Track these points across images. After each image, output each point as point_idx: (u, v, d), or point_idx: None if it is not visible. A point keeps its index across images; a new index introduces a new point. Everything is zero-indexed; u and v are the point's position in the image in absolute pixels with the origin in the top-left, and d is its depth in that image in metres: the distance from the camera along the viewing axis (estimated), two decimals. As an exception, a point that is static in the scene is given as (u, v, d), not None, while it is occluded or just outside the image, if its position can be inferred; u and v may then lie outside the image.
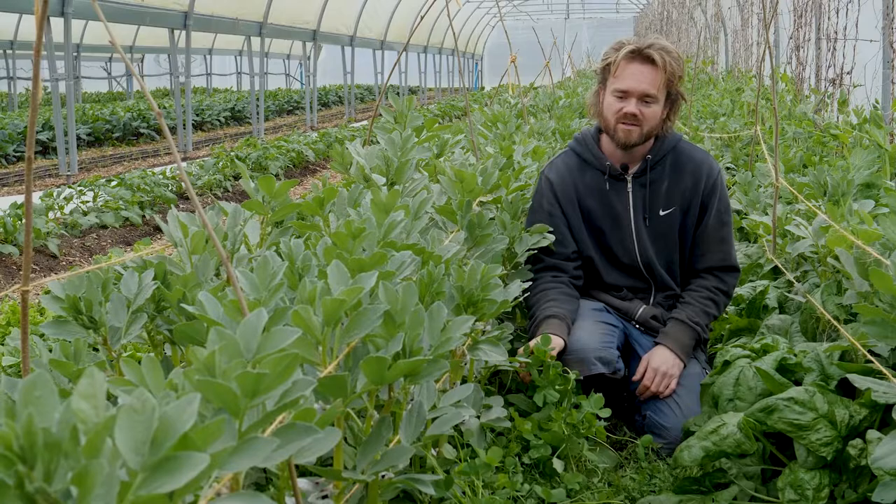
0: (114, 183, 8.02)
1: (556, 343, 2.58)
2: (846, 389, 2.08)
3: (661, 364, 2.67)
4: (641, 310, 2.86)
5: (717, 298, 2.83)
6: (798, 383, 2.12)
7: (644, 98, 2.72)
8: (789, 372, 2.18)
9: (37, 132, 12.69)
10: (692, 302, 2.80)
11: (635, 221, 2.84)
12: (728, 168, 6.08)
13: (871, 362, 1.96)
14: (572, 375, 2.45)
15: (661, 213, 2.84)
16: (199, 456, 0.81)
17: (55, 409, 0.78)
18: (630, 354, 2.82)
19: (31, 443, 0.73)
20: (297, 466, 1.33)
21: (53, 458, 0.75)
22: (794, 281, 2.98)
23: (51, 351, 1.51)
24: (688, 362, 2.73)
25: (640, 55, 2.71)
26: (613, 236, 2.86)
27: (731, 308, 3.06)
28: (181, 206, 8.25)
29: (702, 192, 2.83)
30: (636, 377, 2.71)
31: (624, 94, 2.74)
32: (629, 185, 2.85)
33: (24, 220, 6.12)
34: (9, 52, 18.48)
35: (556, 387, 2.42)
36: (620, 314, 2.88)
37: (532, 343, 2.54)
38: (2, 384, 1.36)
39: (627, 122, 2.74)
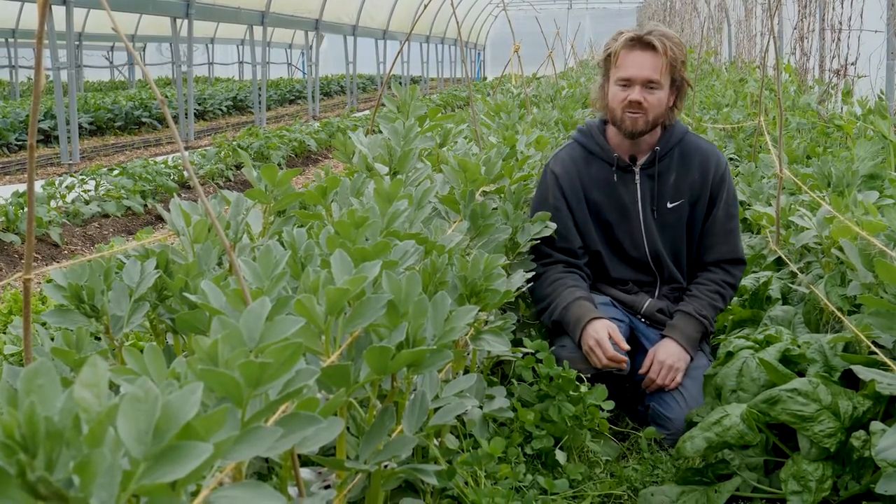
0: (115, 172, 8.01)
1: (608, 326, 2.60)
2: (850, 381, 2.07)
3: (667, 357, 2.67)
4: (647, 303, 2.84)
5: (724, 292, 2.83)
6: (801, 374, 2.11)
7: (648, 84, 2.71)
8: (792, 363, 2.18)
9: (39, 121, 12.66)
10: (699, 295, 2.80)
11: (643, 213, 2.83)
12: (731, 159, 6.06)
13: (875, 353, 1.95)
14: (584, 387, 2.43)
15: (669, 205, 2.83)
16: (202, 445, 0.80)
17: (57, 398, 0.77)
18: (636, 347, 2.81)
19: (33, 431, 0.72)
20: (299, 456, 1.33)
21: (55, 447, 0.74)
22: (798, 272, 2.97)
23: (53, 339, 1.50)
24: (694, 355, 2.72)
25: (641, 42, 2.71)
26: (621, 229, 2.85)
27: (734, 299, 3.06)
28: (183, 195, 8.24)
29: (710, 185, 2.83)
30: (643, 370, 2.70)
31: (627, 83, 2.73)
32: (637, 177, 2.84)
33: (26, 209, 6.12)
34: (10, 40, 18.43)
35: (571, 392, 2.41)
36: (626, 308, 2.87)
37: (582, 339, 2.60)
38: (4, 372, 1.35)
39: (633, 110, 2.73)
